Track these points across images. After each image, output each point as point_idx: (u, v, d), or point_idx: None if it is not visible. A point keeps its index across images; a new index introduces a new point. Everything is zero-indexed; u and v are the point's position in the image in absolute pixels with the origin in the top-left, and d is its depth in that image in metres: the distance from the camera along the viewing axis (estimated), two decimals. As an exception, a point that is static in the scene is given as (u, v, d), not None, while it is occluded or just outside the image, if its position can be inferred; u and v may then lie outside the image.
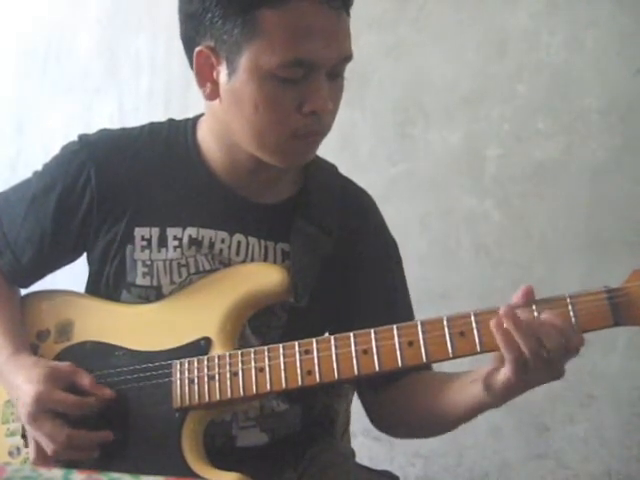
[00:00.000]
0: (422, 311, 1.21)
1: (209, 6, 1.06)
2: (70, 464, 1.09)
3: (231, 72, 1.08)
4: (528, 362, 0.96)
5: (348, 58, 1.10)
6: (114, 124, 2.65)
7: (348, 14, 1.10)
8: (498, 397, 1.03)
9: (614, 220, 1.96)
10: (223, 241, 1.19)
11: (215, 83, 1.11)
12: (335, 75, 1.10)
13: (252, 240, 1.20)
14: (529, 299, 0.99)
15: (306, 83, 1.07)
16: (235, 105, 1.10)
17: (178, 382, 1.11)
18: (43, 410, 1.11)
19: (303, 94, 1.07)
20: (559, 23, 2.04)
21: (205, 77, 1.12)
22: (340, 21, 1.08)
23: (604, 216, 1.98)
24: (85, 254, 1.26)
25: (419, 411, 1.20)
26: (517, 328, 0.96)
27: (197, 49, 1.10)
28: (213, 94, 1.12)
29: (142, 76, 2.71)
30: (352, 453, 1.38)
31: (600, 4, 1.98)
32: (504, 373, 0.99)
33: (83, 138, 1.24)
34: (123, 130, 1.26)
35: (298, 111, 1.08)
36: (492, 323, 0.97)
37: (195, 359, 1.11)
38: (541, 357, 0.96)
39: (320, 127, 1.11)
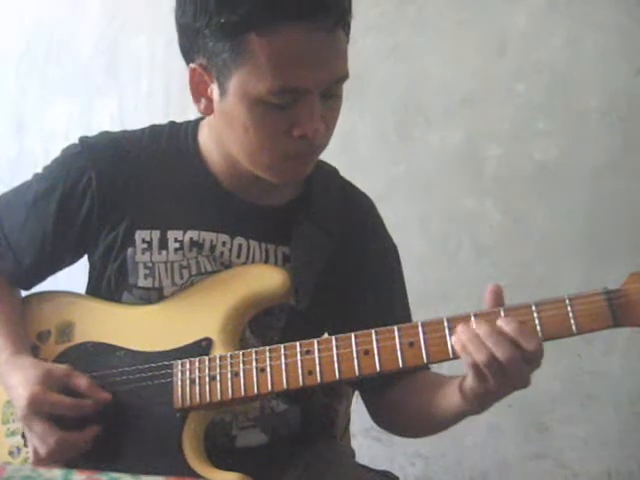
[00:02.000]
0: (422, 311, 1.21)
1: (200, 26, 1.04)
2: (70, 464, 1.09)
3: (222, 93, 1.07)
4: (484, 372, 0.97)
5: (343, 78, 1.07)
6: (114, 124, 2.68)
7: (345, 30, 1.06)
8: (471, 403, 1.04)
9: (614, 220, 1.97)
10: (224, 244, 1.19)
11: (209, 99, 1.10)
12: (330, 95, 1.07)
13: (253, 243, 1.20)
14: (499, 298, 1.00)
15: (296, 107, 1.04)
16: (227, 124, 1.10)
17: (179, 382, 1.11)
18: (36, 412, 1.11)
19: (293, 118, 1.05)
20: (559, 23, 2.04)
21: (199, 93, 1.11)
22: (333, 42, 1.04)
23: (604, 216, 1.98)
24: (86, 255, 1.26)
25: (412, 413, 1.21)
26: (470, 340, 0.97)
27: (191, 66, 1.09)
28: (208, 109, 1.12)
29: (142, 76, 2.70)
30: (352, 453, 1.38)
31: (600, 4, 1.99)
32: (468, 380, 1.01)
33: (84, 141, 1.23)
34: (124, 132, 1.26)
35: (288, 135, 1.06)
36: (454, 337, 0.99)
37: (196, 359, 1.11)
38: (494, 367, 0.96)
39: (311, 149, 1.10)
